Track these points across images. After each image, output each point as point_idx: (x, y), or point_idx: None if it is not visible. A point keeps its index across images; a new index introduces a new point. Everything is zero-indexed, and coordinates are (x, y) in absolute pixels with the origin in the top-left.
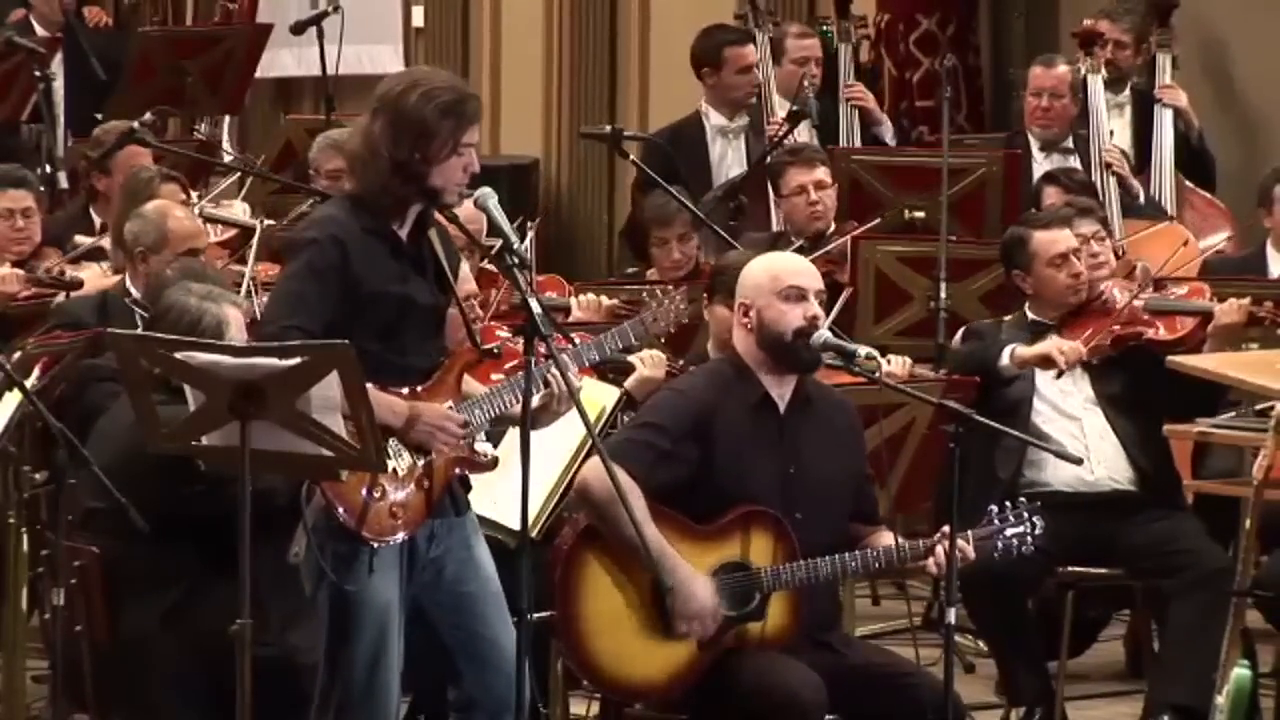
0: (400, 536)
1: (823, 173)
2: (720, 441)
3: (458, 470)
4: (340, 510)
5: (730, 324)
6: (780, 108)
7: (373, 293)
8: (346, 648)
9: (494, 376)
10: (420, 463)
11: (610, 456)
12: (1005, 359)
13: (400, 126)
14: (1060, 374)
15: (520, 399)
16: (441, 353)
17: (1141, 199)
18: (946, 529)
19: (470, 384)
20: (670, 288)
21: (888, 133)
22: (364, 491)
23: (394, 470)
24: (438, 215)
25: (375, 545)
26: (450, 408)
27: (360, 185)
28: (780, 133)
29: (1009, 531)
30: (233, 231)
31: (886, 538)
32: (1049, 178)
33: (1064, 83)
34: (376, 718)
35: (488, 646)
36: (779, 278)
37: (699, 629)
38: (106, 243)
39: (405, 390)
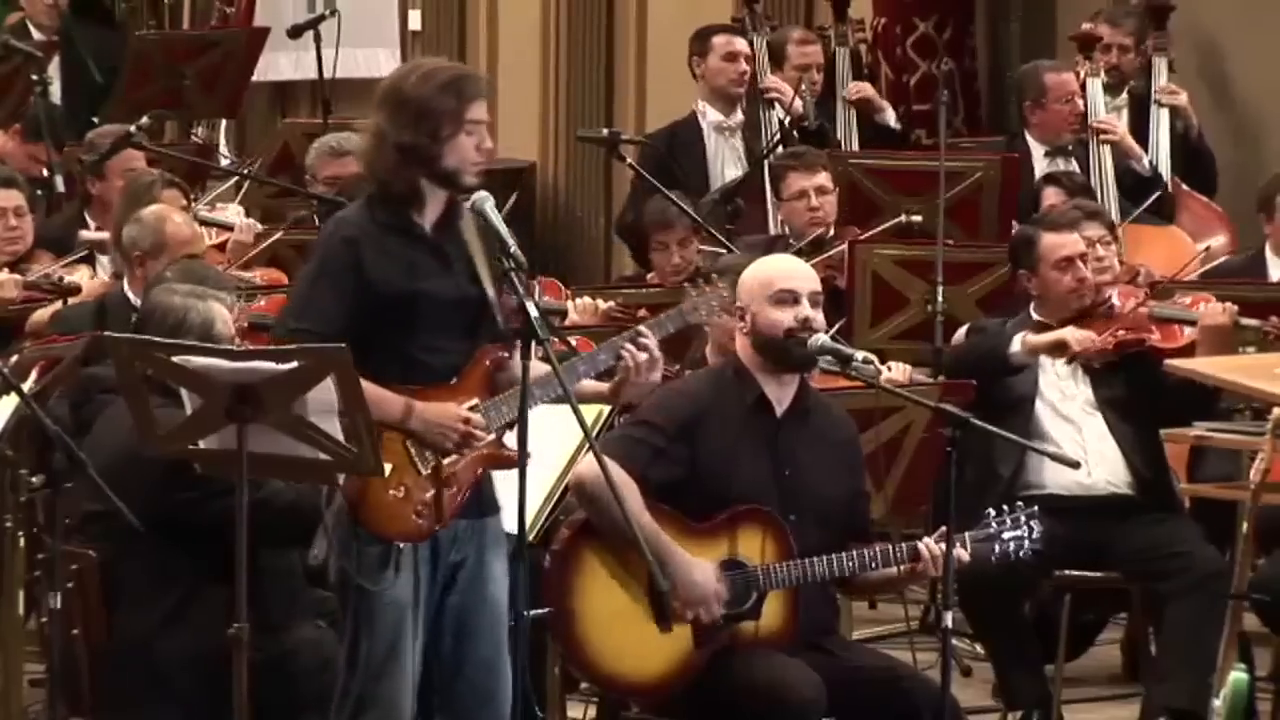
0: (424, 537)
1: (824, 178)
2: (710, 441)
3: (483, 469)
4: (362, 510)
5: (728, 327)
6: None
7: (390, 289)
8: (362, 646)
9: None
10: (446, 461)
11: (606, 453)
12: (1016, 345)
13: (402, 110)
14: (1071, 360)
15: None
16: (476, 348)
17: (1145, 164)
18: (944, 530)
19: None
20: (714, 276)
21: (891, 118)
22: (388, 491)
23: (418, 470)
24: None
25: (399, 545)
26: (475, 406)
27: (373, 179)
28: (777, 138)
29: (1006, 536)
30: (228, 235)
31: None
32: (1050, 179)
33: (1078, 83)
34: (389, 717)
35: (473, 662)
36: (772, 281)
37: (705, 614)
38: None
39: (440, 388)
